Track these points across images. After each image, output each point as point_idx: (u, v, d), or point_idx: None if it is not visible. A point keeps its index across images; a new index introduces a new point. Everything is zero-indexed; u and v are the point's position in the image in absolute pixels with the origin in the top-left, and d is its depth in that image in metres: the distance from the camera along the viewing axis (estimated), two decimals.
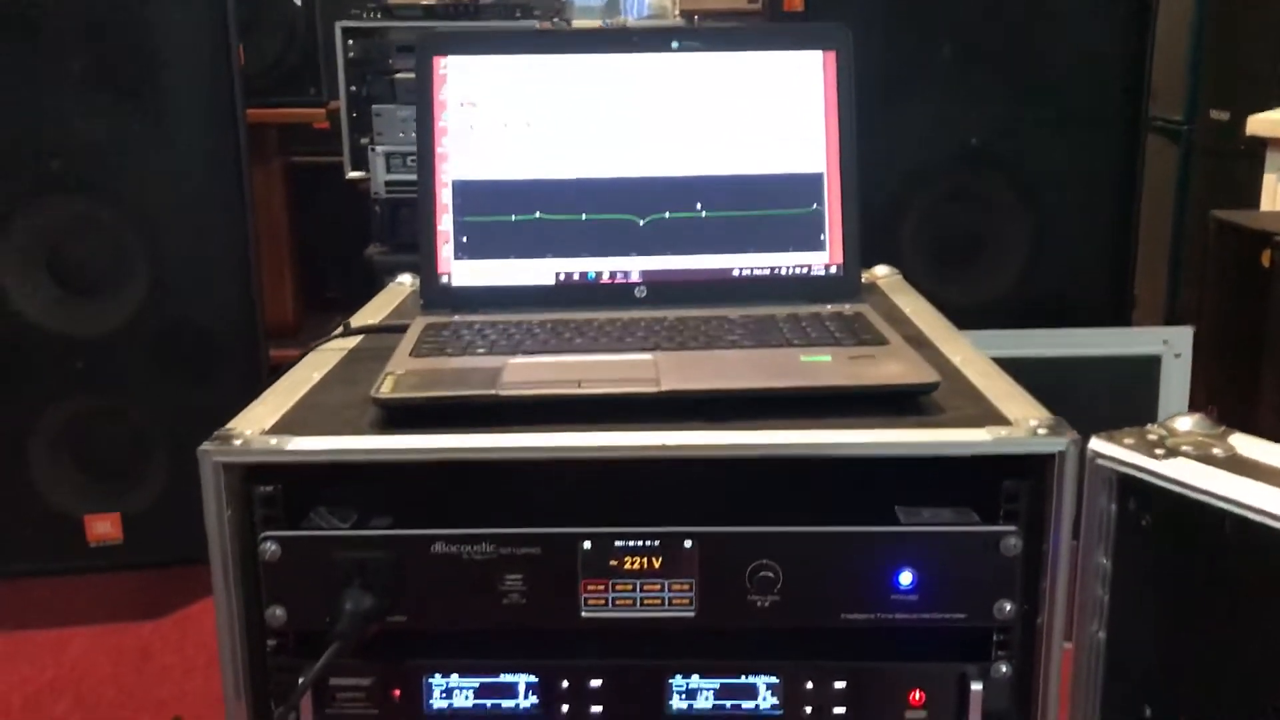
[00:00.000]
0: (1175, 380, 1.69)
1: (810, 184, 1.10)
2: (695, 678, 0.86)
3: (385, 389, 0.85)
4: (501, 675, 0.86)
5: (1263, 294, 1.56)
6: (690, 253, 1.10)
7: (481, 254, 1.09)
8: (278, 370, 0.99)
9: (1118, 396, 1.70)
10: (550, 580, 0.83)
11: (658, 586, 0.83)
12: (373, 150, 2.68)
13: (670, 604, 0.83)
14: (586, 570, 0.83)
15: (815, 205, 1.10)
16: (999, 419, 0.83)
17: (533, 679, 0.86)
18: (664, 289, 1.09)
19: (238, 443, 0.80)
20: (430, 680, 0.86)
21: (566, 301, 1.08)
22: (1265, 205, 1.99)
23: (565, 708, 0.86)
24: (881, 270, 1.35)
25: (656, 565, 0.83)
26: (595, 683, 0.86)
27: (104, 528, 2.03)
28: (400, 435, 0.82)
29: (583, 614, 0.84)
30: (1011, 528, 0.82)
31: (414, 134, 1.46)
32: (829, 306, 1.06)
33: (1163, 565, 0.79)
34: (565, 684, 0.86)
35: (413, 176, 2.03)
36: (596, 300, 1.08)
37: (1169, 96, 2.88)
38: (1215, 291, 1.77)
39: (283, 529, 0.83)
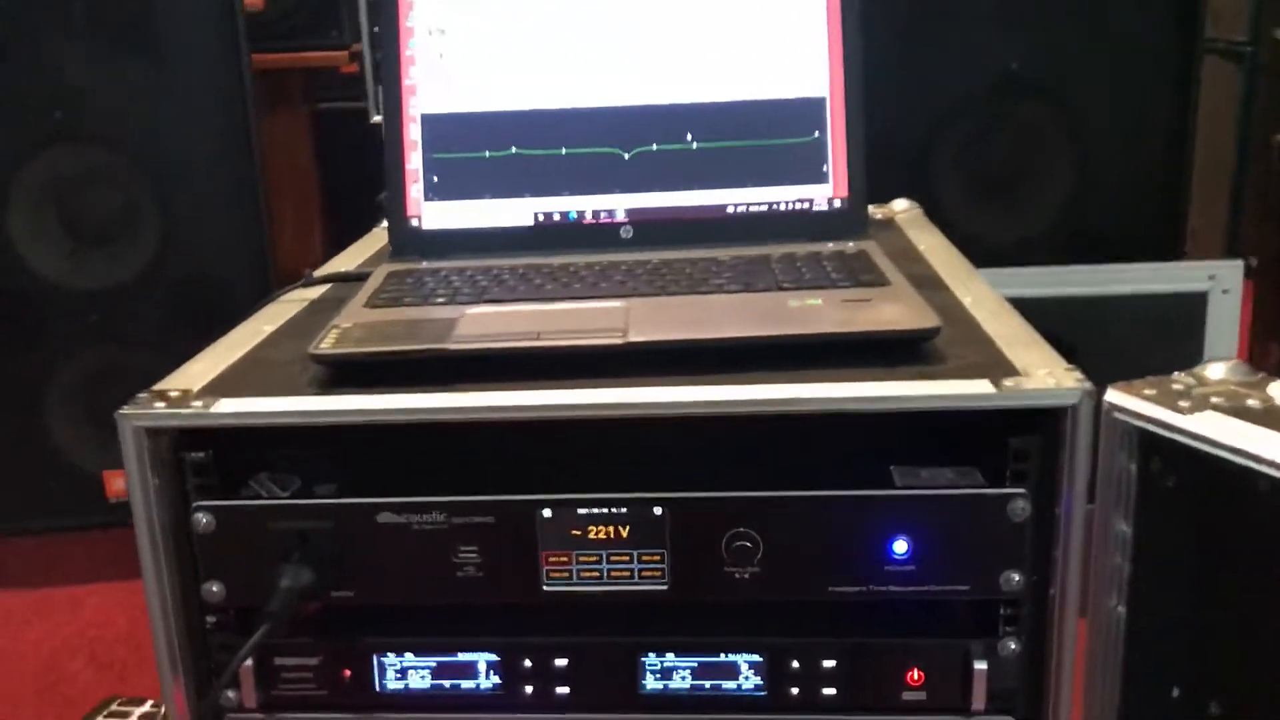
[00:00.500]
0: (1223, 320, 1.55)
1: (811, 110, 1.00)
2: (670, 656, 0.78)
3: (325, 344, 0.78)
4: (460, 654, 0.79)
5: None
6: (680, 188, 1.00)
7: (454, 194, 1.01)
8: None
9: (1158, 340, 1.57)
10: (508, 552, 0.76)
11: (626, 558, 0.76)
12: None
13: (640, 576, 0.76)
14: (547, 541, 0.75)
15: (816, 133, 1.00)
16: (1006, 368, 0.74)
17: (493, 658, 0.79)
18: (651, 229, 1.01)
19: (159, 405, 0.74)
20: (383, 660, 0.79)
21: (546, 244, 1.00)
22: None
23: (529, 689, 0.79)
24: (900, 205, 1.25)
25: (624, 535, 0.75)
26: (561, 662, 0.78)
27: (123, 483, 1.99)
28: (339, 395, 0.74)
29: (545, 588, 0.76)
30: (1020, 490, 0.73)
31: None
32: (830, 245, 0.97)
33: (1190, 532, 0.70)
34: (528, 663, 0.79)
35: None
36: (579, 242, 1.00)
37: (1230, 16, 2.71)
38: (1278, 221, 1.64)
39: (218, 499, 0.76)
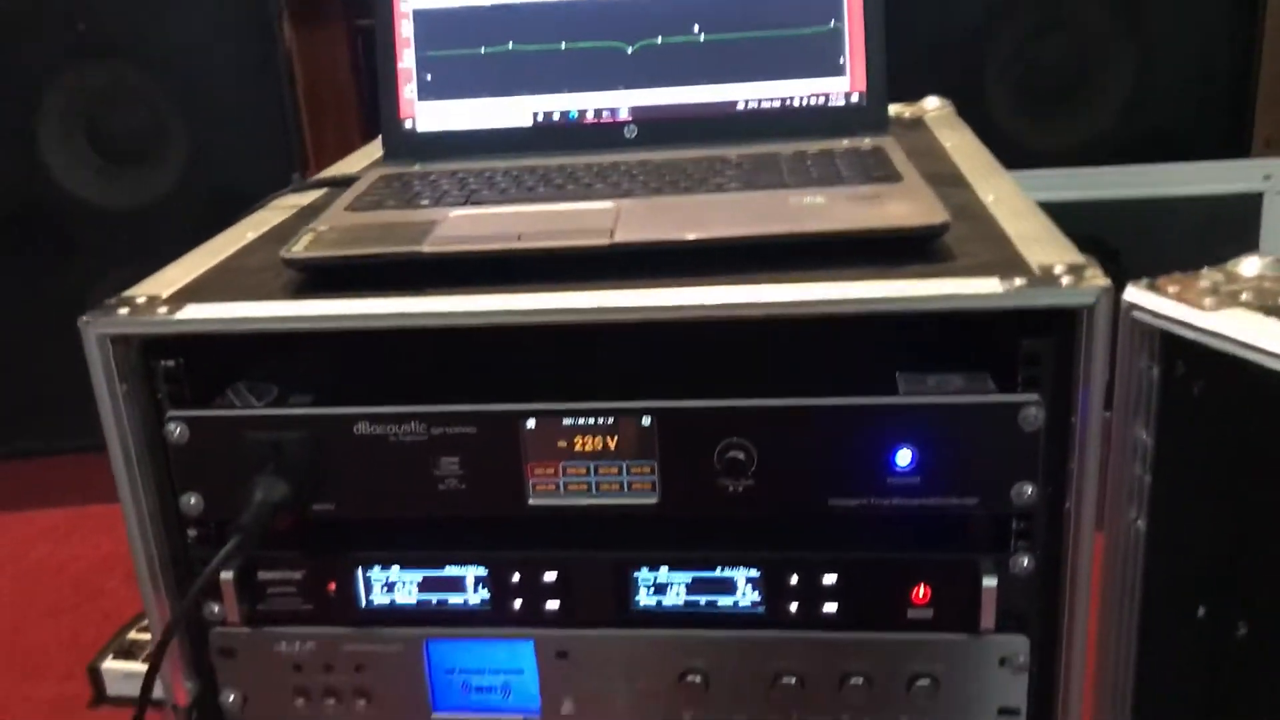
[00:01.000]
0: None
1: None
2: (664, 570, 0.75)
3: (298, 247, 0.74)
4: (447, 568, 0.76)
5: None
6: (687, 83, 0.95)
7: (448, 94, 0.96)
8: None
9: (1211, 244, 1.48)
10: (491, 464, 0.72)
11: (614, 470, 0.72)
12: None
13: (629, 489, 0.72)
14: (531, 452, 0.72)
15: (833, 22, 0.94)
16: (1019, 266, 0.68)
17: (481, 572, 0.76)
18: (657, 127, 0.95)
19: (123, 311, 0.71)
20: (368, 573, 0.77)
21: (546, 146, 0.95)
22: None
23: (519, 603, 0.76)
24: (932, 103, 1.18)
25: (611, 446, 0.72)
26: (550, 575, 0.75)
27: None
28: (309, 301, 0.71)
29: (530, 501, 0.73)
30: (1032, 396, 0.67)
31: None
32: (845, 141, 0.91)
33: (1217, 440, 0.64)
34: (517, 577, 0.76)
35: None
36: (580, 143, 0.95)
37: None
38: None
39: (192, 408, 0.74)
